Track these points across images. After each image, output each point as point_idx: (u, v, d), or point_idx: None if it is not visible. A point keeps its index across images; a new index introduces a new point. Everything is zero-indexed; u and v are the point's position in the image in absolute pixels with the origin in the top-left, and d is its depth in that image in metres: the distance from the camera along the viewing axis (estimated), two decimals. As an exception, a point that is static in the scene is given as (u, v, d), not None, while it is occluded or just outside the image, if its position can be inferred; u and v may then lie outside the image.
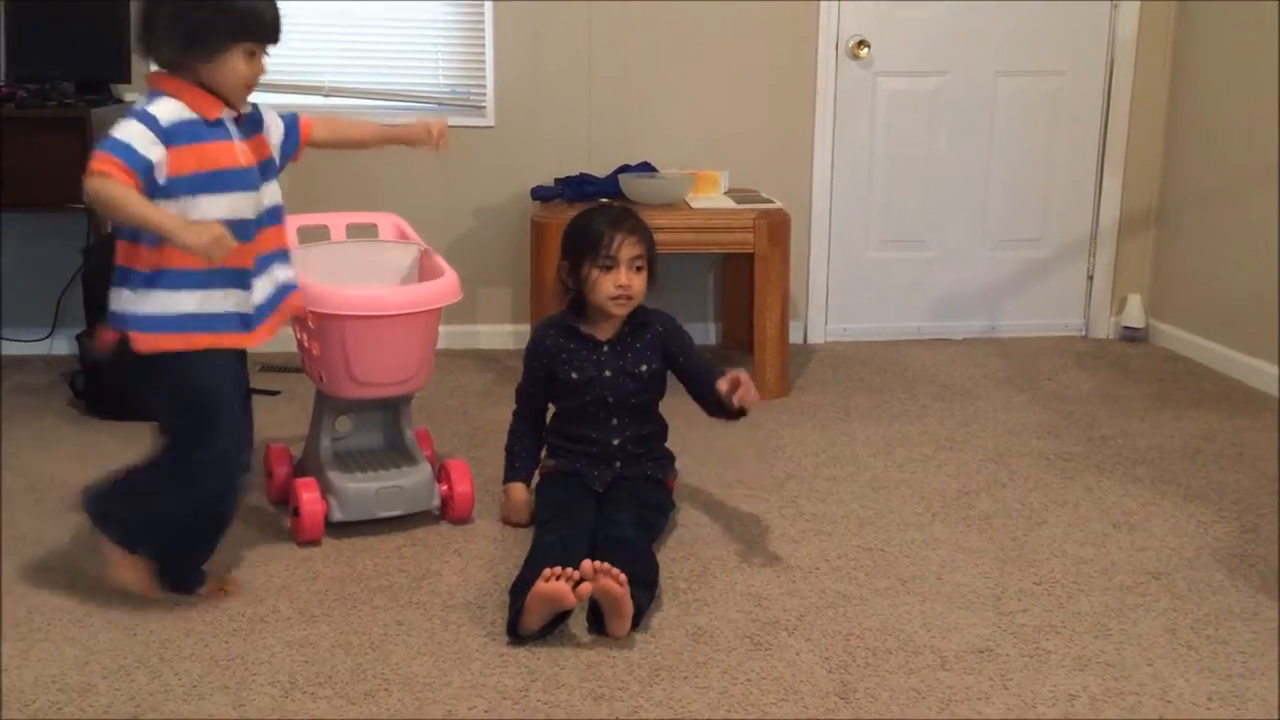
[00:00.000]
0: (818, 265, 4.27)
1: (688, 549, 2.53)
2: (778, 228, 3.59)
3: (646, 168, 3.94)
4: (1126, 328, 4.37)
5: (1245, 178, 3.84)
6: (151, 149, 2.08)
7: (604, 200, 3.70)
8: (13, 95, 3.41)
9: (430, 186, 4.06)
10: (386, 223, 2.91)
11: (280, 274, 2.29)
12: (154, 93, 2.15)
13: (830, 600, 2.30)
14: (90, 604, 2.25)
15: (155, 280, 2.16)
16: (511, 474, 2.66)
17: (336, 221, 2.88)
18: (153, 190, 2.09)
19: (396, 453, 2.67)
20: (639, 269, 2.52)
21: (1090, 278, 4.40)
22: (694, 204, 3.71)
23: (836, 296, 4.31)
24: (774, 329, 3.62)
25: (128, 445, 3.11)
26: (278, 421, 3.34)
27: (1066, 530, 2.65)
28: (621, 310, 2.53)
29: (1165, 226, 4.30)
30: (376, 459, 2.65)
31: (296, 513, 2.52)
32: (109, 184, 2.05)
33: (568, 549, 2.25)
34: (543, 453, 2.68)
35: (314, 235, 2.79)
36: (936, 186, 4.28)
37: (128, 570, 2.24)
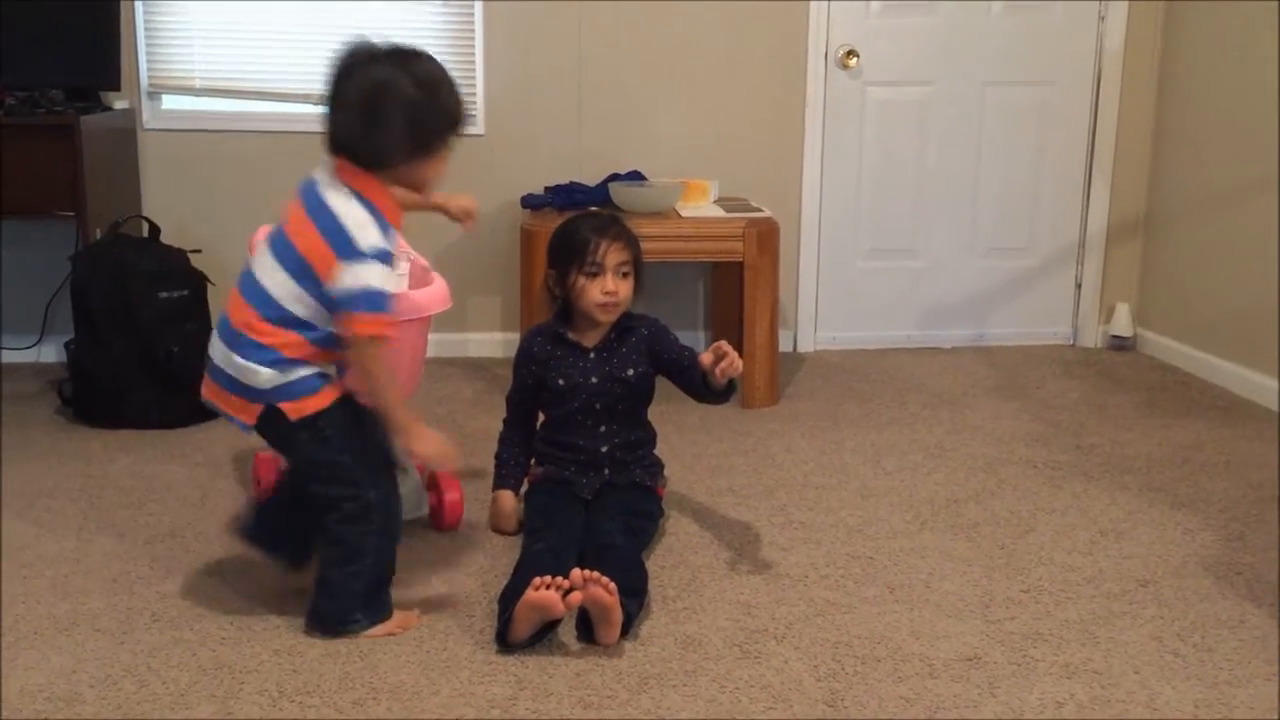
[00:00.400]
0: (807, 274, 4.28)
1: (677, 557, 2.53)
2: (767, 236, 3.60)
3: (636, 176, 3.94)
4: (1114, 336, 4.38)
5: (1233, 187, 3.87)
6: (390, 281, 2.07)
7: (591, 208, 3.71)
8: (1, 102, 3.40)
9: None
10: None
11: None
12: (361, 197, 2.08)
13: (819, 608, 2.30)
14: (77, 613, 2.24)
15: (301, 364, 2.11)
16: (500, 482, 2.66)
17: None
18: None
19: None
20: (625, 275, 2.52)
21: (1078, 286, 4.41)
22: (684, 212, 3.72)
23: (826, 305, 4.32)
24: (763, 337, 3.62)
25: (115, 453, 3.12)
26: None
27: (1054, 538, 2.65)
28: (609, 316, 2.54)
29: (1153, 236, 4.32)
30: None
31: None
32: (388, 355, 2.06)
33: (557, 558, 2.25)
34: (532, 461, 2.68)
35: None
36: (925, 196, 4.29)
37: (397, 624, 2.20)
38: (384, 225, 2.08)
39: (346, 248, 2.02)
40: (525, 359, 2.62)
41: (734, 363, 2.34)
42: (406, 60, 2.15)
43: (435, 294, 2.58)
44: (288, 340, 2.07)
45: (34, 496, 2.82)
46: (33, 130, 3.36)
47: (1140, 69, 4.24)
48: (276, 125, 3.97)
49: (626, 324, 2.59)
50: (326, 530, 2.15)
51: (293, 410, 2.10)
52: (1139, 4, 4.19)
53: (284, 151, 3.96)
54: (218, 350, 2.13)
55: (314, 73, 3.91)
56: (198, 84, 3.97)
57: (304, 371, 2.10)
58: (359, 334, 2.02)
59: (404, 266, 2.75)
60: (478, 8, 3.97)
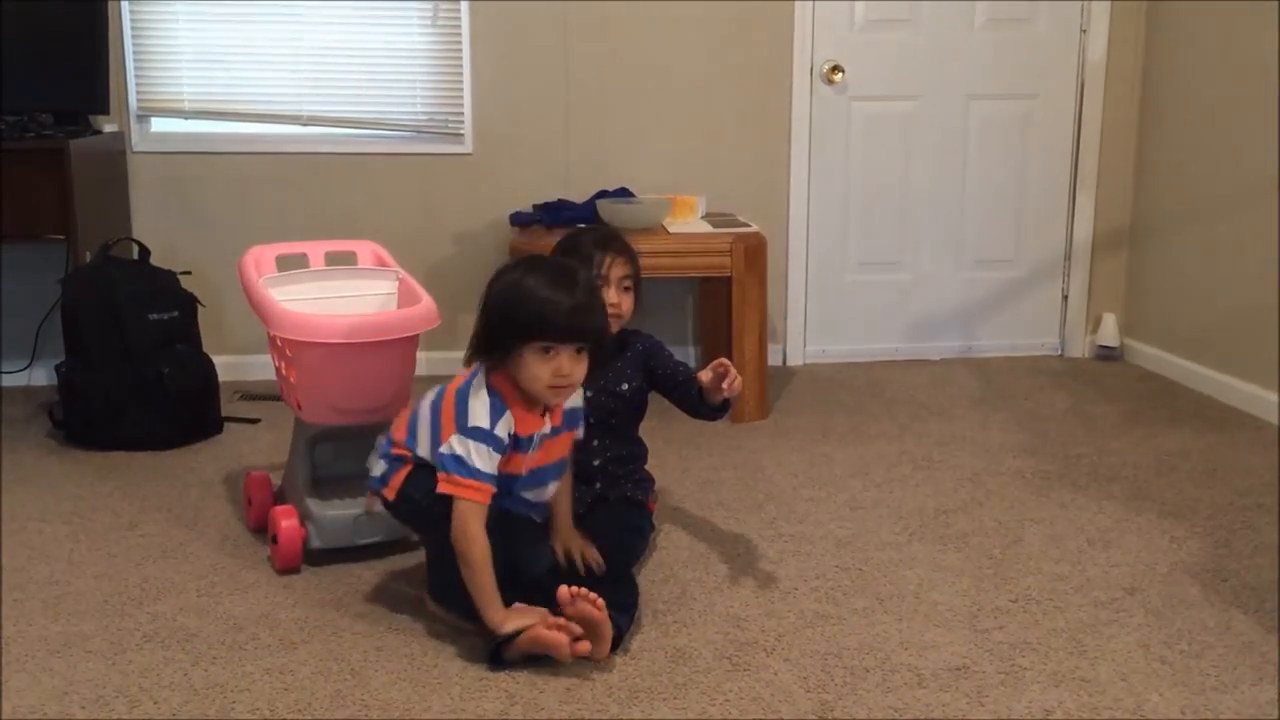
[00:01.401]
0: (795, 288, 4.30)
1: (667, 571, 2.54)
2: (754, 251, 3.62)
3: (624, 193, 3.97)
4: (1101, 347, 4.41)
5: (1217, 197, 3.90)
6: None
7: (582, 225, 3.73)
8: (-9, 128, 3.42)
9: (409, 214, 4.08)
10: (365, 250, 2.93)
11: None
12: (491, 391, 2.19)
13: (808, 620, 2.31)
14: (69, 634, 2.25)
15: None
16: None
17: (315, 250, 2.88)
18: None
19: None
20: (627, 289, 2.53)
21: (1065, 298, 4.44)
22: (671, 228, 3.74)
23: (815, 319, 4.35)
24: (752, 351, 3.64)
25: (106, 475, 3.13)
26: (258, 449, 3.35)
27: (1042, 548, 2.67)
28: (611, 329, 2.53)
29: (1138, 246, 4.35)
30: (355, 486, 2.59)
31: (275, 540, 2.52)
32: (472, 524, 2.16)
33: (549, 580, 2.25)
34: None
35: (293, 263, 2.80)
36: (911, 209, 4.32)
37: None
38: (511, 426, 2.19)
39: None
40: None
41: (735, 381, 2.33)
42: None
43: (423, 312, 2.60)
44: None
45: (25, 519, 2.82)
46: (22, 154, 3.37)
47: (1122, 80, 4.28)
48: (265, 147, 3.99)
49: (622, 339, 2.60)
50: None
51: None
52: (1120, 16, 4.23)
53: (273, 173, 3.98)
54: None
55: (301, 95, 3.98)
56: (186, 106, 3.99)
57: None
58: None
59: (390, 285, 2.78)
60: (465, 28, 4.00)
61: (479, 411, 2.16)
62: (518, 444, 2.21)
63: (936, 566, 2.57)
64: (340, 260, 2.89)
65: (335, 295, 2.67)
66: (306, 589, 2.45)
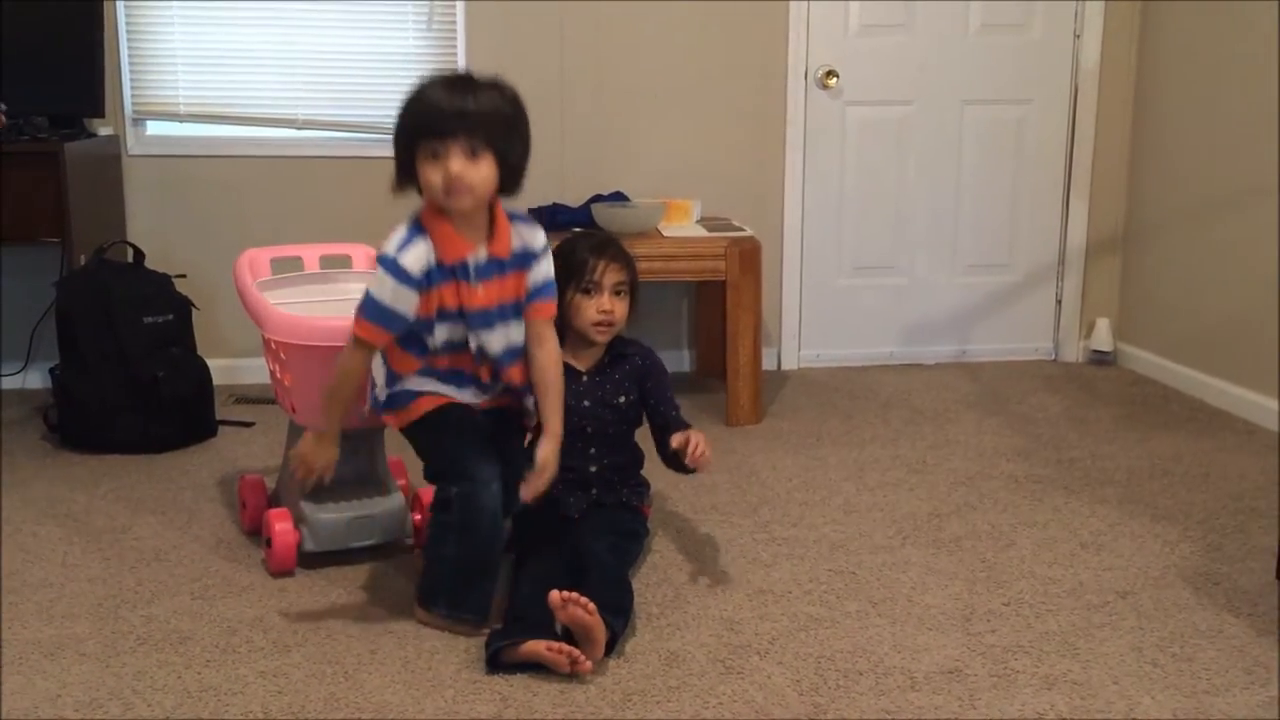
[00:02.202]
0: (790, 292, 4.31)
1: (661, 574, 2.55)
2: (749, 255, 3.63)
3: (619, 197, 3.97)
4: (1095, 351, 4.42)
5: (1210, 202, 3.92)
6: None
7: (577, 229, 3.74)
8: (-14, 130, 3.42)
9: (404, 217, 4.07)
10: (360, 253, 2.94)
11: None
12: (412, 221, 2.27)
13: (802, 623, 2.32)
14: (63, 637, 2.25)
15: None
16: None
17: (310, 253, 2.89)
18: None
19: (369, 483, 2.66)
20: (621, 295, 2.53)
21: (1059, 302, 4.46)
22: (666, 232, 3.75)
23: (809, 323, 4.35)
24: (746, 355, 3.65)
25: (100, 478, 3.13)
26: (252, 453, 3.35)
27: (1035, 551, 2.68)
28: (603, 337, 2.54)
29: (1131, 251, 4.36)
30: (349, 489, 2.62)
31: (269, 543, 2.52)
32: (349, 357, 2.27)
33: (546, 580, 2.25)
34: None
35: (287, 266, 2.81)
36: (906, 213, 4.34)
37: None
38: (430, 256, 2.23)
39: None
40: None
41: (699, 455, 2.42)
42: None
43: None
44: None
45: (19, 522, 2.82)
46: (17, 157, 3.38)
47: (1116, 86, 4.30)
48: (260, 150, 3.99)
49: (621, 350, 2.60)
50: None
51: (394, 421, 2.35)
52: (1114, 22, 4.25)
53: (267, 176, 3.99)
54: None
55: (296, 99, 3.98)
56: (182, 110, 3.99)
57: (402, 386, 2.32)
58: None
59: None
60: (460, 33, 4.00)
61: (391, 240, 2.22)
62: (453, 273, 2.21)
63: (929, 570, 2.57)
64: (335, 263, 2.90)
65: (330, 299, 2.67)
66: (300, 592, 2.45)
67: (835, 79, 4.17)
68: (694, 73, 4.13)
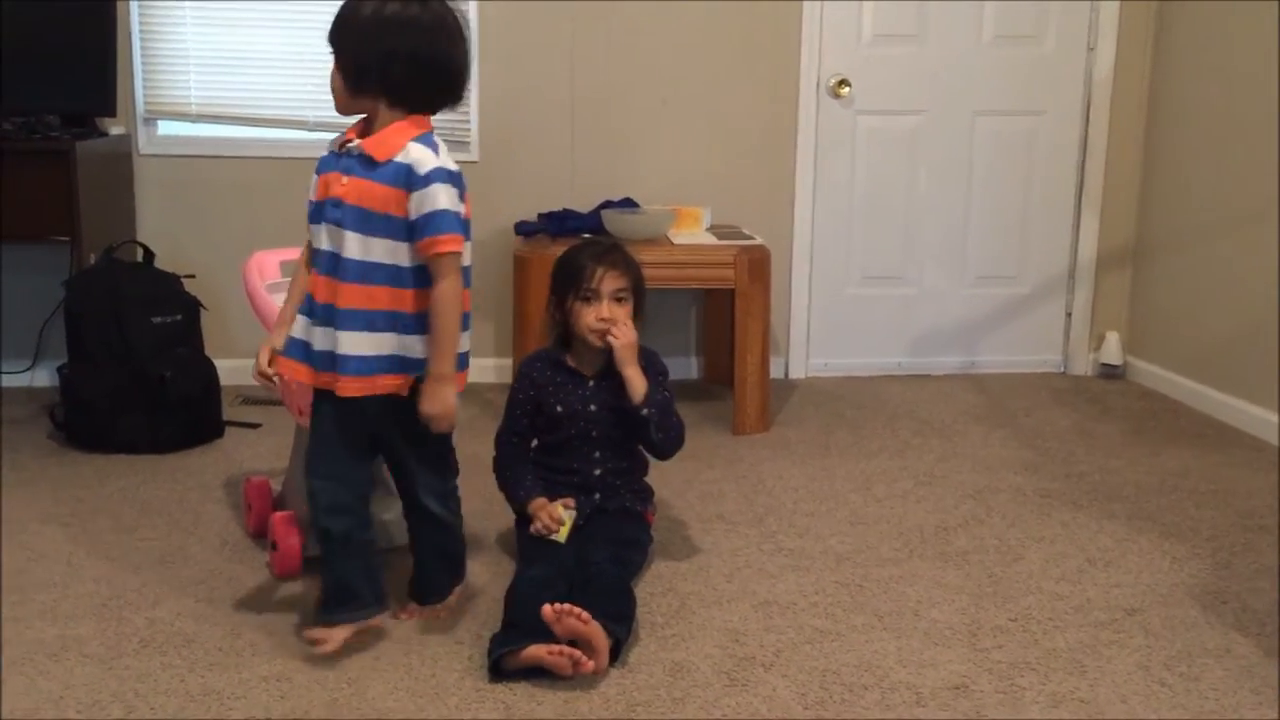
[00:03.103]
0: (799, 301, 4.30)
1: (666, 584, 2.53)
2: (758, 264, 3.62)
3: (629, 203, 3.97)
4: (1104, 364, 4.41)
5: (1222, 216, 3.90)
6: None
7: (585, 235, 3.74)
8: (-3, 128, 3.42)
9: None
10: None
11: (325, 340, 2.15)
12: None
13: (807, 636, 2.31)
14: (66, 638, 2.24)
15: None
16: (527, 493, 2.56)
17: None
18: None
19: (378, 486, 2.63)
20: (621, 301, 2.53)
21: (1068, 315, 4.44)
22: (676, 239, 3.74)
23: (817, 332, 4.34)
24: (755, 364, 3.64)
25: (106, 477, 3.12)
26: (259, 454, 3.34)
27: (1043, 566, 2.66)
28: (603, 342, 2.53)
29: (1142, 264, 4.35)
30: None
31: (275, 547, 2.52)
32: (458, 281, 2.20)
33: (546, 588, 2.25)
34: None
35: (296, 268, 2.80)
36: (916, 224, 4.32)
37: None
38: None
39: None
40: (524, 383, 2.62)
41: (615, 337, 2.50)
42: None
43: None
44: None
45: (24, 521, 2.82)
46: (28, 155, 3.38)
47: (1129, 98, 4.29)
48: (271, 151, 4.00)
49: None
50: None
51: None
52: (1128, 34, 4.24)
53: (278, 177, 3.98)
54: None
55: (307, 100, 3.98)
56: (193, 110, 3.99)
57: None
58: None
59: None
60: (472, 36, 3.99)
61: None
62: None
63: (936, 584, 2.56)
64: None
65: None
66: (305, 596, 2.44)
67: (847, 88, 4.16)
68: (705, 79, 4.13)
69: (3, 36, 3.68)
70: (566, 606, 2.09)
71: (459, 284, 2.18)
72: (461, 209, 2.17)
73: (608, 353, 2.55)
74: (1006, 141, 4.31)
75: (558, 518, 2.47)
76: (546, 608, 2.09)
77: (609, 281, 2.53)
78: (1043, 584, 2.57)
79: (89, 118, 3.69)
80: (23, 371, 3.96)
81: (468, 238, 2.19)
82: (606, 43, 4.06)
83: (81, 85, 3.66)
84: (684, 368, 4.26)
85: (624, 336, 2.51)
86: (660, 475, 2.84)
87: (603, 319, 2.51)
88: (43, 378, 3.93)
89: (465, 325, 2.25)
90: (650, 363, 2.60)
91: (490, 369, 4.15)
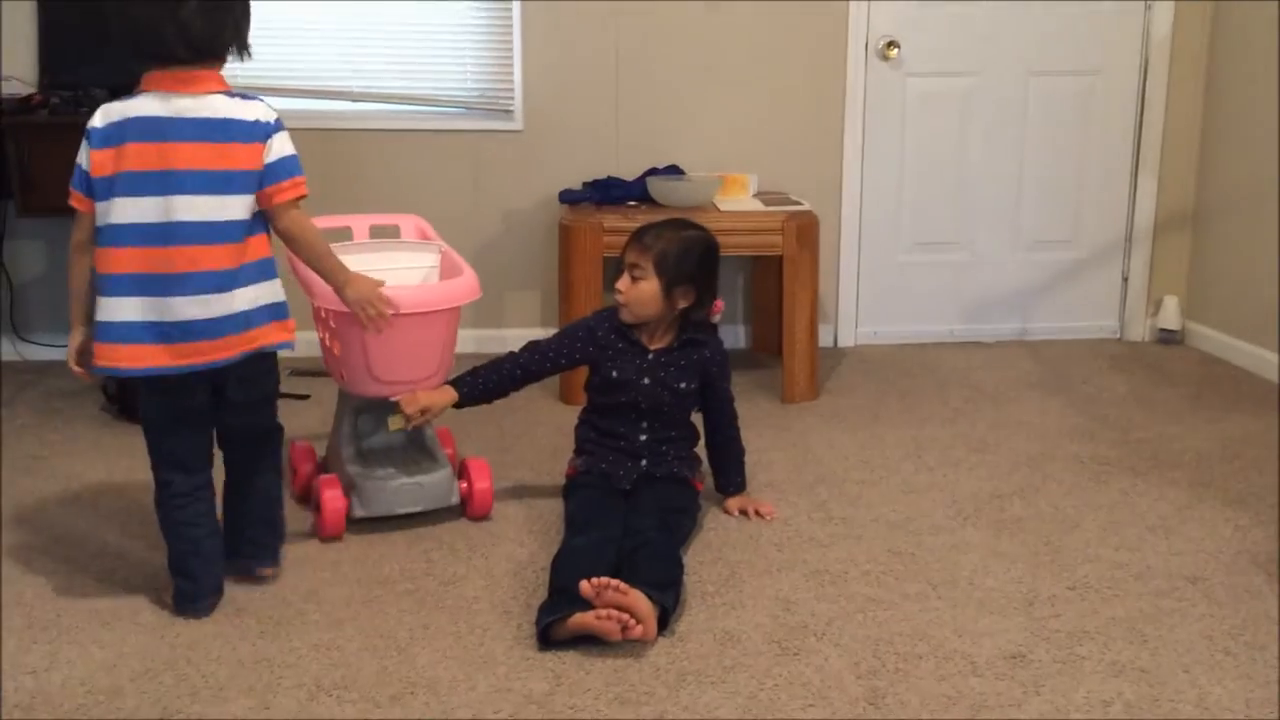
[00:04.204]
0: (847, 268, 4.23)
1: (715, 553, 2.51)
2: (806, 230, 3.57)
3: (674, 170, 3.92)
4: (1162, 330, 4.31)
5: (1283, 177, 3.79)
6: None
7: (631, 203, 3.70)
8: (45, 103, 3.44)
9: (458, 190, 4.06)
10: (409, 224, 2.97)
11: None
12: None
13: (860, 605, 2.27)
14: (119, 607, 2.26)
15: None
16: (459, 382, 2.61)
17: (360, 223, 2.92)
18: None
19: (417, 451, 2.69)
20: (637, 278, 2.54)
21: (1125, 280, 4.34)
22: (722, 206, 3.69)
23: (866, 299, 4.28)
24: (803, 332, 3.59)
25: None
26: (305, 424, 3.35)
27: (1101, 534, 2.60)
28: (624, 315, 2.57)
29: (1202, 227, 4.24)
30: (398, 456, 2.67)
31: (319, 509, 2.54)
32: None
33: (597, 553, 2.25)
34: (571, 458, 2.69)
35: (337, 236, 2.79)
36: (968, 188, 4.24)
37: None
38: None
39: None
40: (587, 335, 2.64)
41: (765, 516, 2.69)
42: None
43: (464, 285, 2.60)
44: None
45: (79, 492, 2.84)
46: (75, 129, 3.36)
47: (1188, 58, 4.16)
48: (315, 123, 3.97)
49: (694, 337, 2.61)
50: (275, 459, 2.36)
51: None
52: (1187, -9, 4.12)
53: (322, 148, 3.97)
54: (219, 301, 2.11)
55: (351, 70, 3.96)
56: (237, 81, 3.97)
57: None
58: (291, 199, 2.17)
59: (433, 258, 2.80)
60: (515, 5, 3.96)
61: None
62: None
63: (991, 552, 2.51)
64: (384, 233, 2.91)
65: (379, 268, 2.60)
66: (353, 565, 2.44)
67: (896, 50, 4.07)
68: (751, 43, 4.06)
69: (50, 13, 3.70)
70: (604, 580, 2.07)
71: None
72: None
73: (673, 331, 2.59)
74: (1061, 102, 4.20)
75: (408, 409, 2.51)
76: (584, 583, 2.07)
77: (630, 255, 2.57)
78: (1101, 552, 2.51)
79: (135, 90, 3.69)
80: (75, 345, 3.99)
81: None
82: (650, 8, 4.00)
83: (127, 58, 3.65)
84: (731, 336, 4.21)
85: (625, 298, 2.55)
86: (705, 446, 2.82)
87: (617, 289, 2.55)
88: (95, 351, 3.97)
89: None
90: (718, 358, 2.64)
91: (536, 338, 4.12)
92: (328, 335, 2.58)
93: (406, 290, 2.52)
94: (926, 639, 2.14)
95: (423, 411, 2.52)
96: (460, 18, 3.99)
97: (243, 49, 2.20)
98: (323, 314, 2.55)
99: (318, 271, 2.29)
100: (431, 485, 2.59)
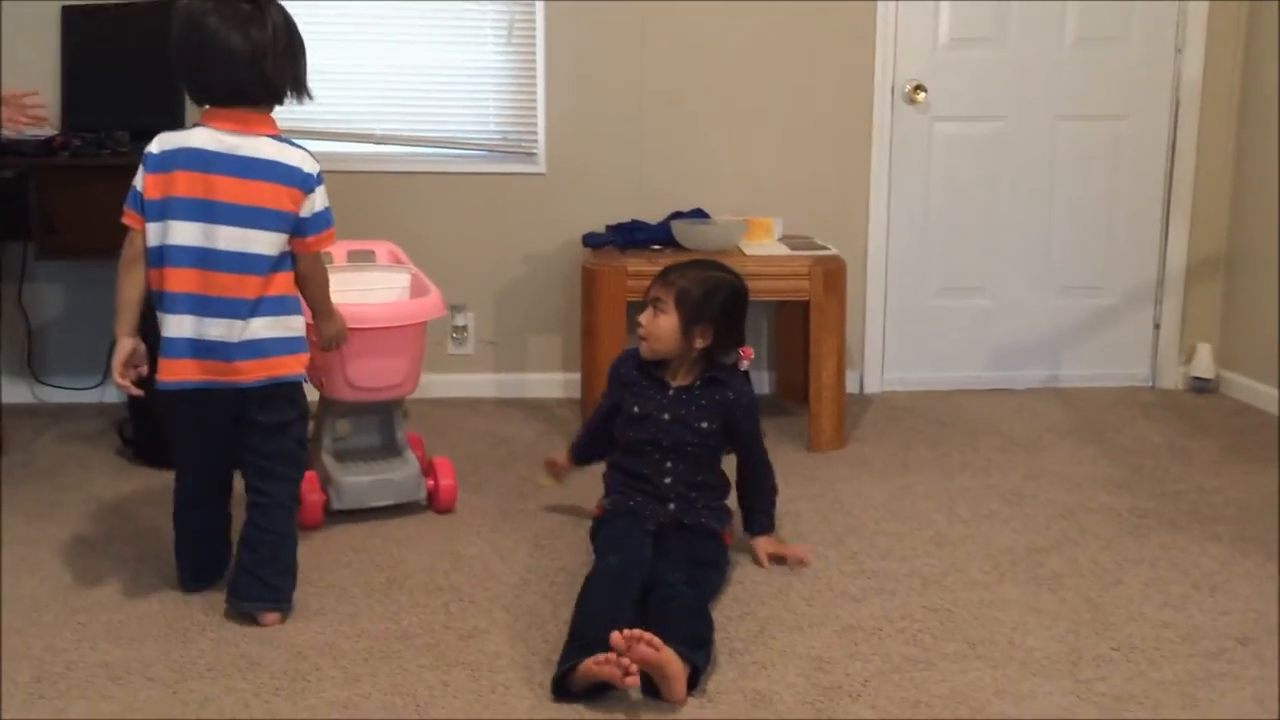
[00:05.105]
0: (874, 313, 4.17)
1: (744, 607, 2.43)
2: (834, 275, 3.51)
3: (699, 214, 3.88)
4: (1195, 378, 4.22)
5: (1320, 223, 3.71)
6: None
7: (655, 247, 3.65)
8: (67, 144, 3.42)
9: (481, 233, 4.03)
10: (383, 249, 3.30)
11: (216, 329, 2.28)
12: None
13: (896, 664, 2.19)
14: (130, 660, 2.19)
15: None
16: (572, 447, 2.90)
17: (338, 248, 3.16)
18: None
19: (389, 450, 3.00)
20: (658, 312, 2.56)
21: (1156, 327, 4.26)
22: (748, 250, 3.64)
23: (893, 345, 4.21)
24: (830, 379, 3.52)
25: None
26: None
27: (1144, 591, 2.52)
28: (645, 348, 2.60)
29: (1235, 274, 4.16)
30: (371, 455, 2.99)
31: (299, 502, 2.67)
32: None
33: (624, 575, 2.24)
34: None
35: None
36: (995, 233, 4.18)
37: None
38: None
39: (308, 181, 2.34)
40: (613, 374, 2.72)
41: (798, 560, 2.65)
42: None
43: (429, 303, 2.89)
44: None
45: (92, 539, 2.79)
46: (97, 171, 3.36)
47: (1219, 102, 4.11)
48: (338, 165, 3.91)
49: (717, 376, 2.59)
50: (290, 494, 2.42)
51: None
52: (1217, 35, 4.07)
53: (344, 190, 3.91)
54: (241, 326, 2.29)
55: (374, 113, 3.94)
56: (261, 124, 3.96)
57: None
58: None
59: (404, 280, 3.09)
60: (539, 48, 3.94)
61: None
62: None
63: (1031, 609, 2.43)
64: (360, 258, 3.26)
65: (356, 288, 2.89)
66: (370, 618, 2.37)
67: (923, 93, 4.04)
68: (777, 86, 4.03)
69: (74, 54, 3.70)
70: (636, 633, 1.99)
71: None
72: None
73: (697, 368, 2.59)
74: (1090, 147, 4.15)
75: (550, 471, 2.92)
76: (616, 635, 1.99)
77: (654, 289, 2.60)
78: (1145, 610, 2.42)
79: (157, 133, 3.67)
80: (93, 387, 3.96)
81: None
82: (676, 50, 3.98)
83: (150, 100, 3.65)
84: (755, 382, 4.09)
85: (644, 331, 2.59)
86: (735, 492, 2.75)
87: (639, 322, 2.59)
88: (112, 393, 3.93)
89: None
90: (742, 400, 2.61)
91: (558, 383, 4.08)
92: (310, 347, 2.74)
93: (380, 308, 2.83)
94: (967, 702, 2.05)
95: (557, 467, 2.94)
96: (483, 60, 3.97)
97: (302, 92, 2.42)
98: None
99: (312, 304, 2.48)
100: (401, 481, 2.89)
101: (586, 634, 2.07)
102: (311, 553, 2.69)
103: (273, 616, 2.33)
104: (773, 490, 2.69)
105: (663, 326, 2.54)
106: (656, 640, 2.00)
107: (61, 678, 2.13)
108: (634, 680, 1.96)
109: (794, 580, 2.57)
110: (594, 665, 1.98)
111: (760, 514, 2.68)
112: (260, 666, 2.17)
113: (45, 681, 2.11)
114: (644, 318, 2.57)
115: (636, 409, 2.58)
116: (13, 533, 2.81)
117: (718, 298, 2.56)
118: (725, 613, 2.39)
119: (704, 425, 2.55)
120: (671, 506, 2.52)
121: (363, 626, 2.34)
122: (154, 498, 3.07)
